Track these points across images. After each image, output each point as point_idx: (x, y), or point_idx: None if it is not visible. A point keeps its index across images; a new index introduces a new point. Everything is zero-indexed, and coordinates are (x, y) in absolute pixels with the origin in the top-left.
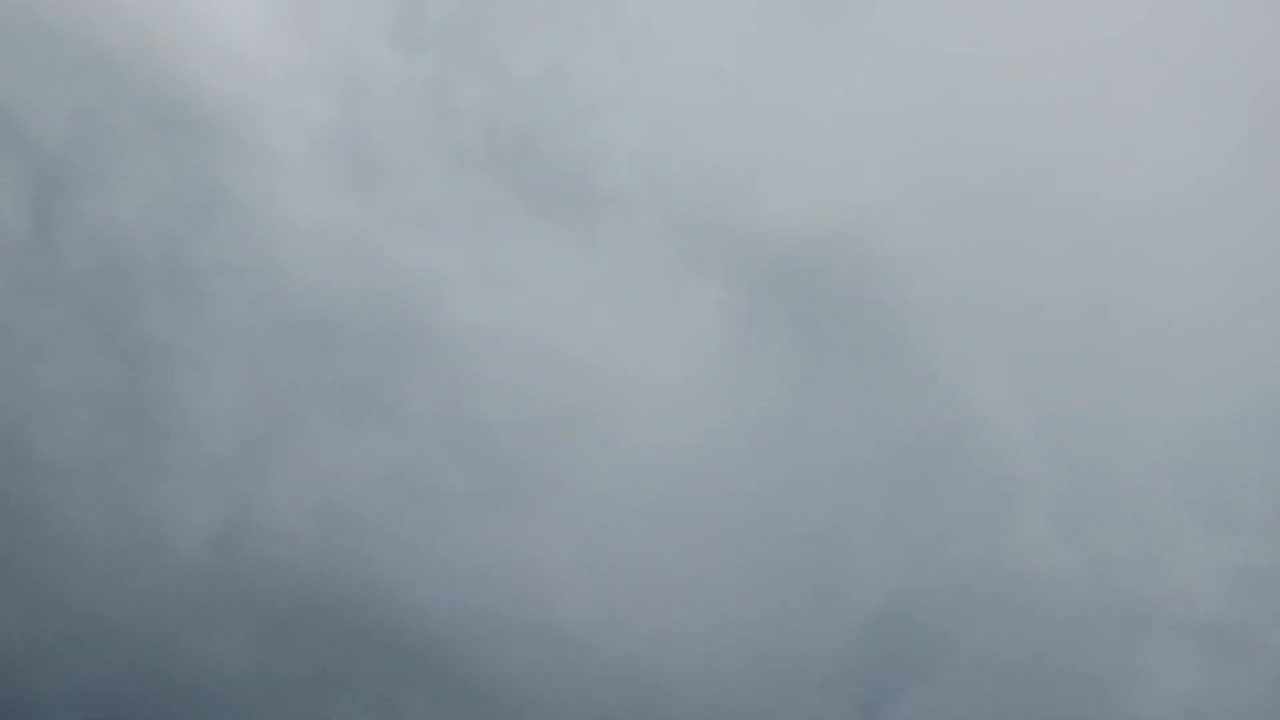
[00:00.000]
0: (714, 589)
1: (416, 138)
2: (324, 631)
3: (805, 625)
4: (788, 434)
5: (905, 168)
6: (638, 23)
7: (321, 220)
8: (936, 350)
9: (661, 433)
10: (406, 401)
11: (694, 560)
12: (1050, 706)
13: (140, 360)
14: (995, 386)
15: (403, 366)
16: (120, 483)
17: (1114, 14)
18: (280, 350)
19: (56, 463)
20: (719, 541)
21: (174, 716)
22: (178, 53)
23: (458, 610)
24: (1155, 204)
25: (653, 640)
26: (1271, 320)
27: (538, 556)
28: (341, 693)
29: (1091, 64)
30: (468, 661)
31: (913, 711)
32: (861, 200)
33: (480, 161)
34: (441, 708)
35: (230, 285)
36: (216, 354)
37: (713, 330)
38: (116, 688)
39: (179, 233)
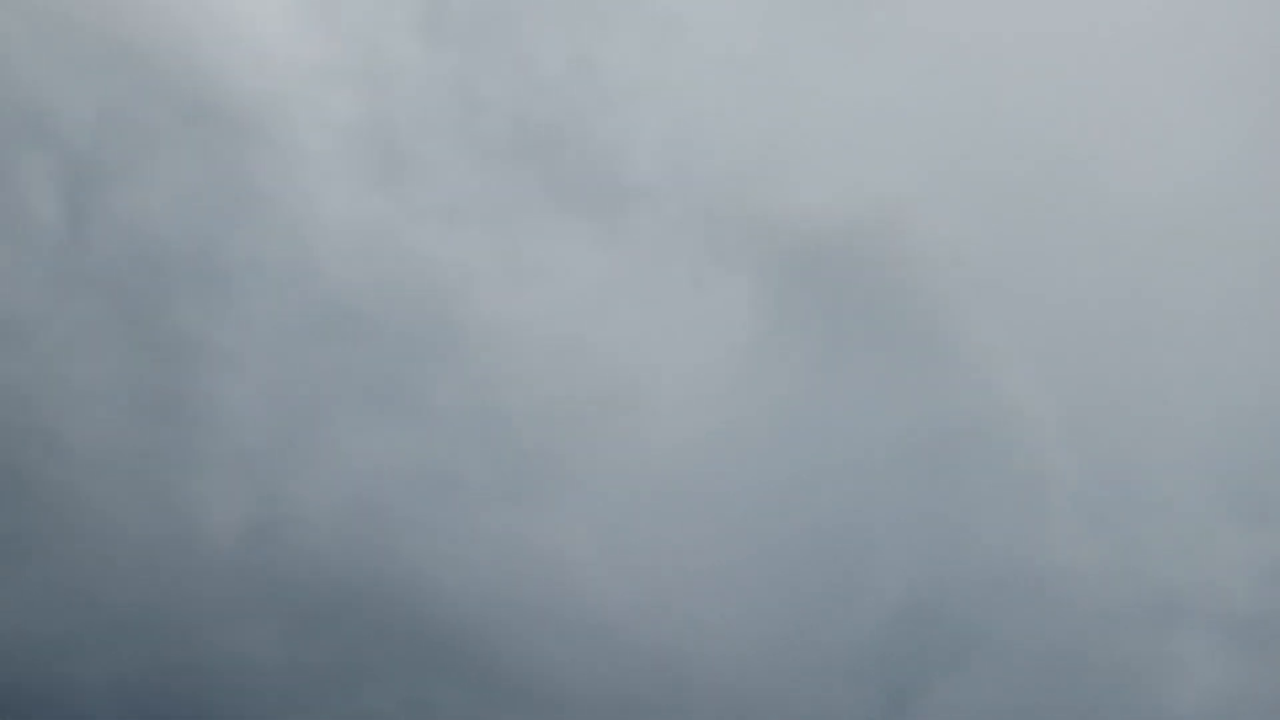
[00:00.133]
0: (740, 579)
1: (442, 132)
2: (353, 622)
3: (833, 616)
4: (814, 424)
5: (932, 158)
6: (663, 14)
7: (349, 215)
8: (964, 341)
9: (689, 424)
10: (434, 395)
11: (720, 551)
12: (1080, 698)
13: (171, 354)
14: (1024, 377)
15: (430, 360)
16: (153, 476)
17: (1147, 8)
18: (308, 344)
19: (90, 456)
20: (745, 532)
21: (206, 705)
22: (207, 50)
23: (484, 600)
24: (1187, 196)
25: (679, 630)
26: None
27: (564, 547)
28: (370, 682)
29: (1124, 57)
30: (494, 651)
31: (942, 702)
32: (888, 191)
33: (506, 155)
34: (469, 696)
35: (260, 279)
36: (246, 348)
37: (738, 322)
38: (150, 676)
39: (209, 228)
